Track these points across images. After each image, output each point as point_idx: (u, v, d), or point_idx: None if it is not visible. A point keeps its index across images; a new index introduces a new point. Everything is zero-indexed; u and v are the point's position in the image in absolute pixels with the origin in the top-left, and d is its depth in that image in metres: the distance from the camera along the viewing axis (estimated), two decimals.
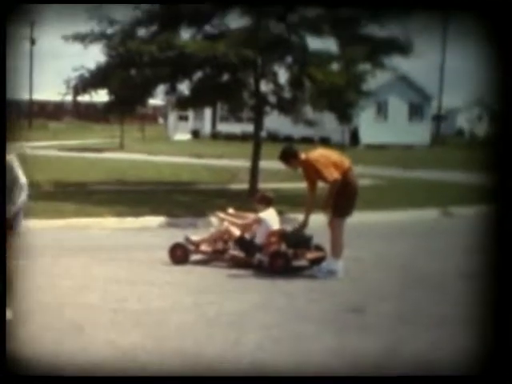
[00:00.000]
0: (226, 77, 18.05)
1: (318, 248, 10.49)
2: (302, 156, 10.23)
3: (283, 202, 14.81)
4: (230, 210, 11.13)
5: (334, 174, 9.85)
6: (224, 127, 54.89)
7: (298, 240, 10.28)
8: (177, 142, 51.79)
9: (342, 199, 10.00)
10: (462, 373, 5.73)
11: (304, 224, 10.36)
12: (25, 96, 75.45)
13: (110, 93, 18.40)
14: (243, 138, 44.46)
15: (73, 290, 8.87)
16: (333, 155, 10.35)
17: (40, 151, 35.90)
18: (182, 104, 19.91)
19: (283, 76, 18.17)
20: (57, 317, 7.58)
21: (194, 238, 10.89)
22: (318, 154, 10.24)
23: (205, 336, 7.05)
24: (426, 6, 16.42)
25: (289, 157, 10.36)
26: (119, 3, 17.76)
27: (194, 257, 10.75)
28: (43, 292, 8.64)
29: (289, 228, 10.51)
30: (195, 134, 57.09)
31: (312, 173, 10.14)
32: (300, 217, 10.91)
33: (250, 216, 10.86)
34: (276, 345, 6.86)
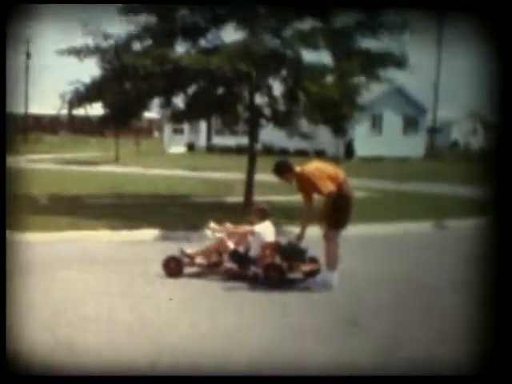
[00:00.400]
0: (220, 90, 18.08)
1: (313, 260, 10.50)
2: (297, 169, 10.26)
3: (279, 214, 14.84)
4: (227, 225, 11.13)
5: (329, 187, 9.87)
6: (219, 140, 54.98)
7: (292, 252, 10.29)
8: (172, 154, 51.81)
9: (337, 211, 10.03)
10: (461, 373, 5.72)
11: (300, 236, 10.39)
12: (20, 109, 75.53)
13: (105, 106, 18.41)
14: (238, 150, 44.54)
15: (67, 302, 8.86)
16: (328, 168, 10.37)
17: (36, 164, 35.94)
18: (177, 117, 19.93)
19: (278, 89, 18.20)
20: (51, 330, 7.57)
21: (189, 250, 10.90)
22: (313, 166, 10.25)
23: (199, 350, 7.05)
24: (421, 16, 16.47)
25: (283, 170, 10.37)
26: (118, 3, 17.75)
27: (189, 269, 10.76)
28: (37, 305, 8.63)
29: (284, 240, 10.51)
30: (190, 147, 57.14)
31: (307, 186, 10.17)
32: (296, 229, 10.94)
33: (244, 227, 10.88)
34: (271, 358, 6.86)
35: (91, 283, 10.06)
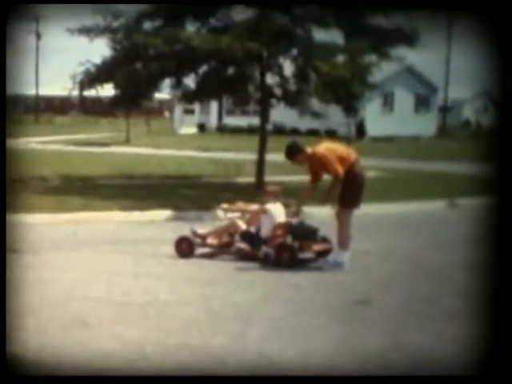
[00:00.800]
0: (231, 70, 18.03)
1: (325, 240, 10.46)
2: (308, 150, 10.22)
3: (289, 194, 14.79)
4: (239, 203, 11.13)
5: (338, 170, 9.85)
6: (230, 120, 54.90)
7: (303, 232, 10.26)
8: (183, 135, 51.74)
9: (349, 191, 10.02)
10: (462, 372, 5.71)
11: (296, 213, 10.35)
12: (31, 91, 75.62)
13: (116, 87, 18.40)
14: (249, 131, 44.46)
15: (78, 283, 8.88)
16: (339, 148, 10.34)
17: (46, 146, 35.98)
18: (188, 97, 19.90)
19: (288, 68, 18.12)
20: (62, 311, 7.58)
21: (200, 231, 10.89)
22: (325, 148, 10.21)
23: (211, 329, 7.05)
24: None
25: (294, 153, 10.33)
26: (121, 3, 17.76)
27: (200, 250, 10.75)
28: (49, 286, 8.65)
29: (295, 220, 10.47)
30: (201, 127, 57.03)
31: (318, 167, 10.15)
32: (306, 209, 10.90)
33: (255, 207, 10.87)
34: (282, 337, 6.85)
35: (102, 264, 10.06)
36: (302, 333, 7.02)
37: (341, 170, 9.87)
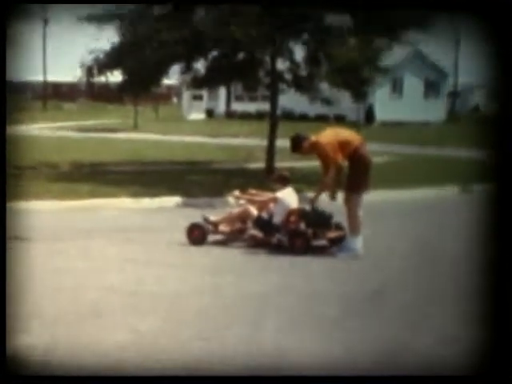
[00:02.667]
0: (241, 55, 17.87)
1: (339, 227, 10.30)
2: (312, 139, 10.11)
3: (300, 180, 14.67)
4: (251, 191, 11.01)
5: (337, 159, 9.77)
6: (239, 106, 54.74)
7: (317, 219, 10.12)
8: (191, 121, 51.61)
9: (355, 175, 9.96)
10: (462, 373, 5.60)
11: (312, 201, 10.22)
12: (39, 77, 75.47)
13: (124, 73, 18.28)
14: (258, 116, 44.32)
15: (89, 272, 8.77)
16: (342, 133, 10.29)
17: (55, 132, 35.93)
18: (198, 83, 19.74)
19: (299, 53, 17.96)
20: (73, 300, 7.48)
21: (212, 218, 10.77)
22: (328, 136, 10.07)
23: (224, 319, 6.94)
24: None
25: (299, 144, 10.23)
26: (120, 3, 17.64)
27: (212, 237, 10.63)
28: (59, 274, 8.54)
29: (308, 207, 10.33)
30: (210, 113, 56.87)
31: (319, 156, 10.04)
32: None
33: (267, 194, 10.73)
34: (296, 327, 6.74)
35: (113, 253, 9.94)
36: (316, 323, 6.90)
37: (339, 159, 9.78)
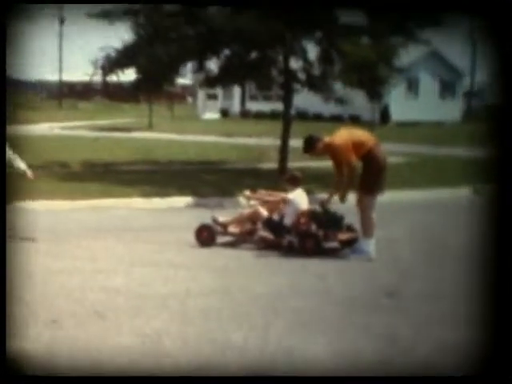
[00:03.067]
0: (254, 54, 17.74)
1: (350, 229, 10.12)
2: (326, 140, 9.94)
3: (313, 180, 14.52)
4: (261, 192, 10.86)
5: (351, 160, 9.59)
6: (253, 106, 54.61)
7: (328, 220, 9.95)
8: (206, 120, 51.52)
9: (368, 176, 9.78)
10: (462, 373, 5.49)
11: (325, 202, 10.05)
12: (54, 77, 75.70)
13: (138, 71, 18.22)
14: (272, 116, 44.15)
15: (94, 272, 8.64)
16: (356, 133, 10.09)
17: (70, 131, 35.93)
18: (211, 82, 19.62)
19: (312, 53, 17.81)
20: (80, 300, 7.35)
21: (222, 218, 10.62)
22: (342, 137, 9.89)
23: (233, 321, 6.79)
24: None
25: (312, 145, 10.06)
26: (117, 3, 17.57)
27: (222, 238, 10.48)
28: (64, 275, 8.42)
29: (319, 208, 10.16)
30: (224, 112, 56.76)
31: (332, 157, 9.87)
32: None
33: (278, 195, 10.57)
34: (306, 329, 6.58)
35: (120, 253, 9.81)
36: (327, 326, 6.74)
37: (353, 160, 9.61)
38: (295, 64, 18.20)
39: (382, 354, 5.98)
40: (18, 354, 5.65)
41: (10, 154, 8.50)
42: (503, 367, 5.04)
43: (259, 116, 50.68)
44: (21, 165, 8.11)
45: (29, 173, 8.18)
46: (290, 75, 18.02)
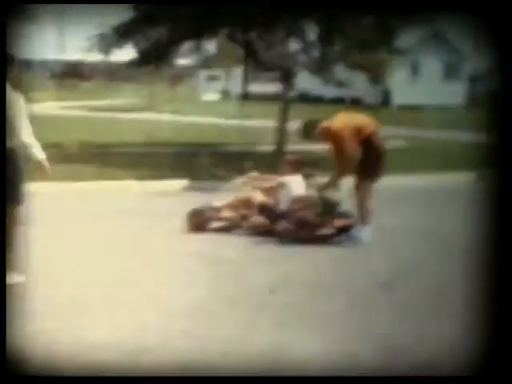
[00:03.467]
0: (252, 34, 17.45)
1: (347, 215, 9.83)
2: (324, 125, 9.64)
3: (311, 165, 14.21)
4: (254, 174, 10.58)
5: (352, 148, 9.29)
6: (255, 87, 54.23)
7: (324, 206, 9.66)
8: (206, 102, 51.20)
9: (368, 161, 9.47)
10: (462, 373, 5.32)
11: (322, 188, 9.77)
12: (56, 56, 75.41)
13: (136, 50, 18.01)
14: (275, 98, 43.82)
15: (79, 259, 8.37)
16: (356, 118, 9.78)
17: (69, 112, 35.70)
18: (209, 63, 19.36)
19: (312, 34, 17.52)
20: (63, 288, 7.09)
21: (216, 203, 10.33)
22: (341, 123, 9.57)
23: (220, 312, 6.52)
24: None
25: (311, 131, 9.77)
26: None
27: (215, 224, 10.19)
28: (53, 260, 8.15)
29: (315, 194, 9.87)
30: (226, 94, 56.44)
31: (332, 142, 9.57)
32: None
33: (274, 179, 10.27)
34: (299, 322, 6.31)
35: (108, 239, 9.52)
36: (320, 318, 6.47)
37: (353, 146, 9.31)
38: (295, 45, 17.92)
39: (378, 352, 5.73)
40: (18, 353, 5.40)
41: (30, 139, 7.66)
42: (503, 367, 4.84)
43: (261, 98, 50.35)
44: (39, 154, 7.57)
45: (45, 164, 7.65)
46: (289, 57, 17.73)
